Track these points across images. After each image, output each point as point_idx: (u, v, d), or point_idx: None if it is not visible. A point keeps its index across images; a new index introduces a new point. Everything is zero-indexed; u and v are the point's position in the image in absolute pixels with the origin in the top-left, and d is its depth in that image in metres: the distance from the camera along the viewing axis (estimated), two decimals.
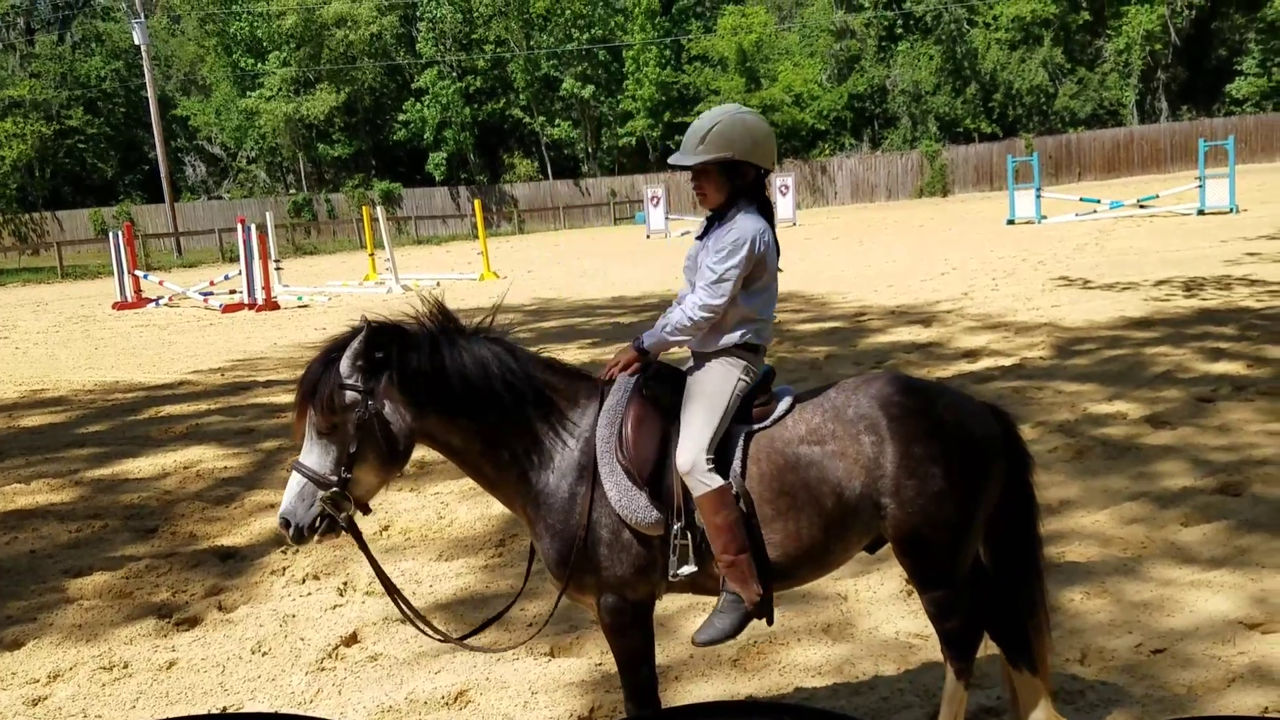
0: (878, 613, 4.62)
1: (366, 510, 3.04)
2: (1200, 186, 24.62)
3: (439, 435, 3.04)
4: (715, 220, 3.22)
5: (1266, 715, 3.53)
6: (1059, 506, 5.70)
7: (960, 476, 3.02)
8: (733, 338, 3.15)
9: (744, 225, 3.12)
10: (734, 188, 3.17)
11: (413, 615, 3.13)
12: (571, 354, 11.61)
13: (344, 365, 2.91)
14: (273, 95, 50.03)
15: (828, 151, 51.88)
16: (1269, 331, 9.92)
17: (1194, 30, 50.29)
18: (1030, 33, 49.89)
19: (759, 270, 3.16)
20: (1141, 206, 26.21)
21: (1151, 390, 8.06)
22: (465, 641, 3.23)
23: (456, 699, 4.06)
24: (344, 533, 3.00)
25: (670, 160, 3.25)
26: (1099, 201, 26.67)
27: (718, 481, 2.96)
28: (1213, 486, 5.84)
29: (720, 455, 3.04)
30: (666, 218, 36.27)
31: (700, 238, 3.28)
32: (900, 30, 52.23)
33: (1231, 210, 23.75)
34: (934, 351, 10.43)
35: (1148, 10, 48.74)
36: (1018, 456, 3.22)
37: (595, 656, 4.31)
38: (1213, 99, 50.78)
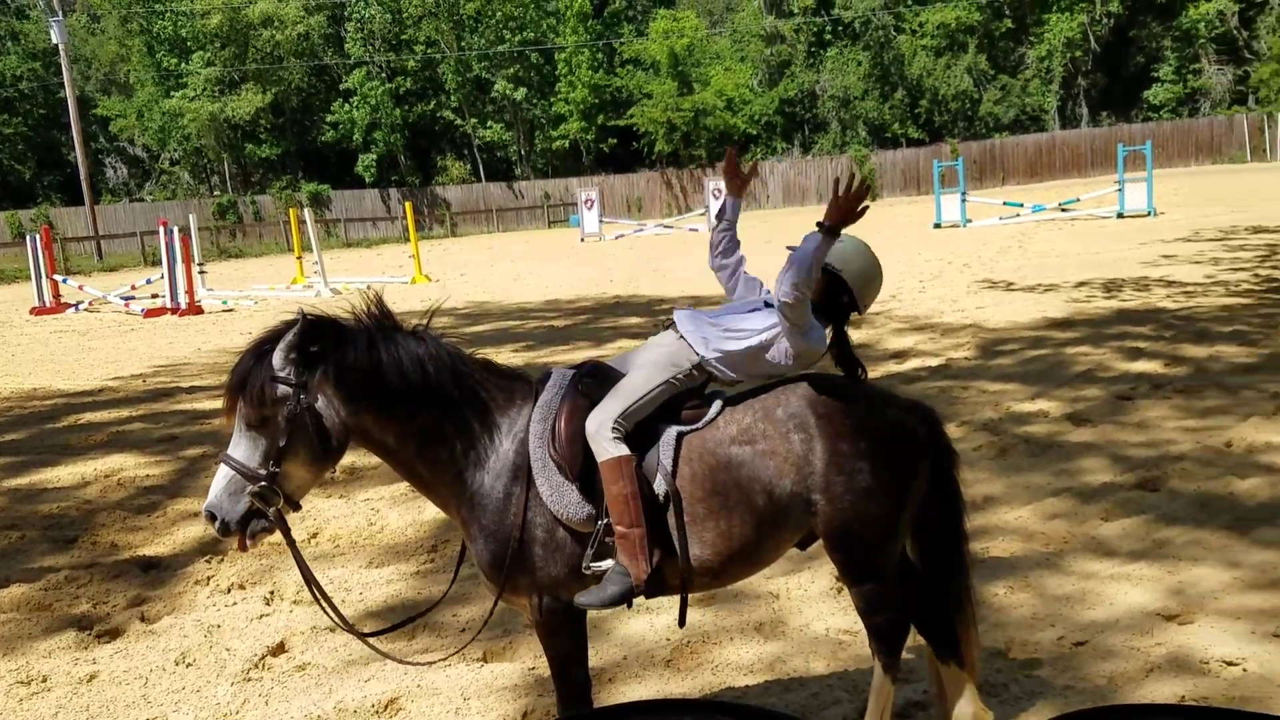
0: (809, 610, 4.67)
1: (296, 507, 2.99)
2: (1119, 190, 25.37)
3: (374, 433, 3.00)
4: None
5: (1183, 703, 3.64)
6: (983, 503, 5.82)
7: (887, 472, 3.07)
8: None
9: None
10: None
11: (324, 602, 3.07)
12: (505, 357, 11.53)
13: (276, 358, 2.87)
14: (197, 95, 48.93)
15: (759, 155, 52.38)
16: (1185, 331, 10.25)
17: (1113, 38, 51.85)
18: (955, 40, 50.99)
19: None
20: (1063, 210, 26.90)
21: (1072, 389, 8.28)
22: (391, 652, 3.18)
23: (387, 707, 4.01)
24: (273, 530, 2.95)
25: None
26: (1022, 205, 27.31)
27: (621, 450, 2.95)
28: (1132, 482, 6.02)
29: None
30: (601, 221, 36.29)
31: None
32: (829, 36, 52.99)
33: (1149, 213, 24.50)
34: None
35: (1068, 18, 50.12)
36: (943, 452, 3.28)
37: (528, 660, 4.28)
38: (1131, 105, 52.39)
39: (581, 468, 2.98)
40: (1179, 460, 6.29)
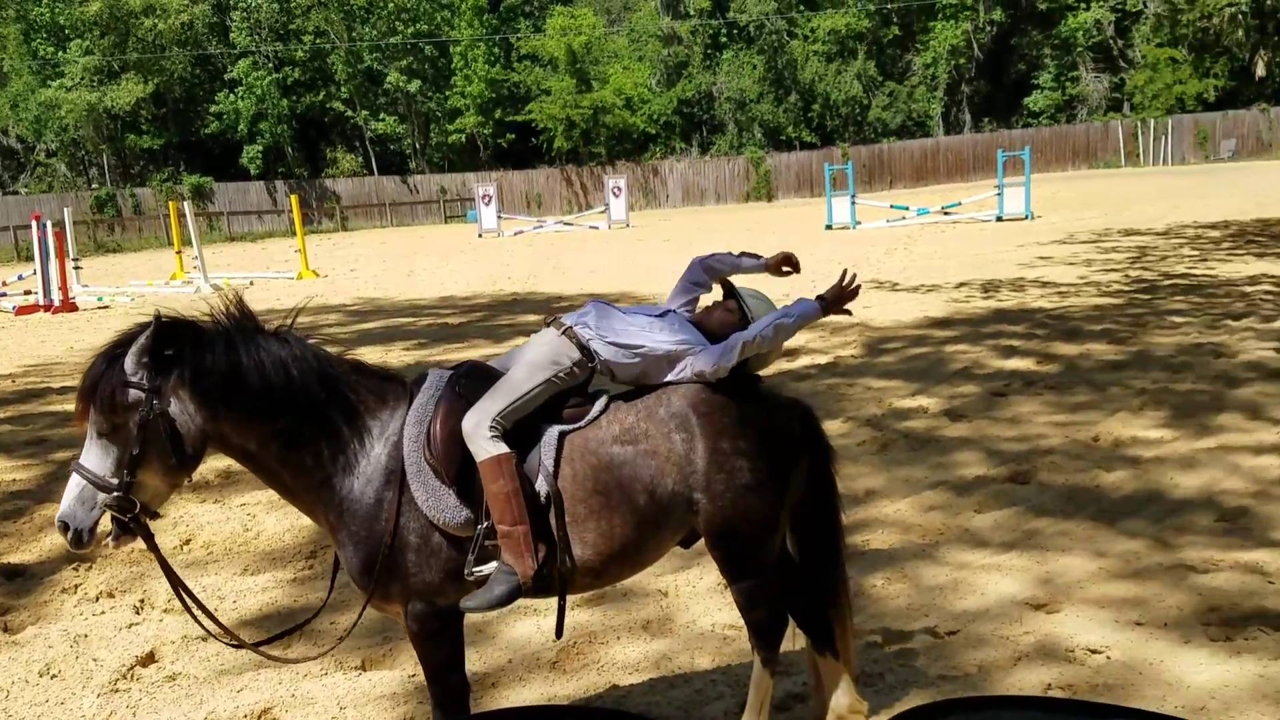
0: (696, 606, 4.70)
1: (154, 515, 2.88)
2: (999, 195, 26.29)
3: (234, 439, 2.89)
4: None
5: (1047, 695, 3.78)
6: (864, 496, 5.96)
7: (767, 470, 3.10)
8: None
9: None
10: None
11: (194, 606, 2.96)
12: (395, 355, 11.33)
13: (128, 362, 2.76)
14: (75, 85, 46.70)
15: (659, 155, 52.68)
16: (1057, 330, 10.68)
17: (995, 46, 53.70)
18: (845, 46, 52.11)
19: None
20: (945, 214, 27.75)
21: (950, 386, 8.54)
22: (261, 649, 3.07)
23: (260, 717, 3.89)
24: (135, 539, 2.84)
25: None
26: (908, 208, 28.09)
27: (500, 449, 2.92)
28: (1004, 475, 6.23)
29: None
30: (499, 216, 35.99)
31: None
32: (725, 39, 53.59)
33: (1027, 217, 25.47)
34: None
35: (953, 26, 51.72)
36: (821, 449, 3.33)
37: (409, 668, 4.20)
38: (1012, 111, 54.34)
39: (459, 471, 2.92)
40: (1048, 454, 6.55)
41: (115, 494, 2.74)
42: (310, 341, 2.99)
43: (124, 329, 2.92)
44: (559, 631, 3.13)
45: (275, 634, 3.22)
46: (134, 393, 2.74)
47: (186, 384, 2.78)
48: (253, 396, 2.82)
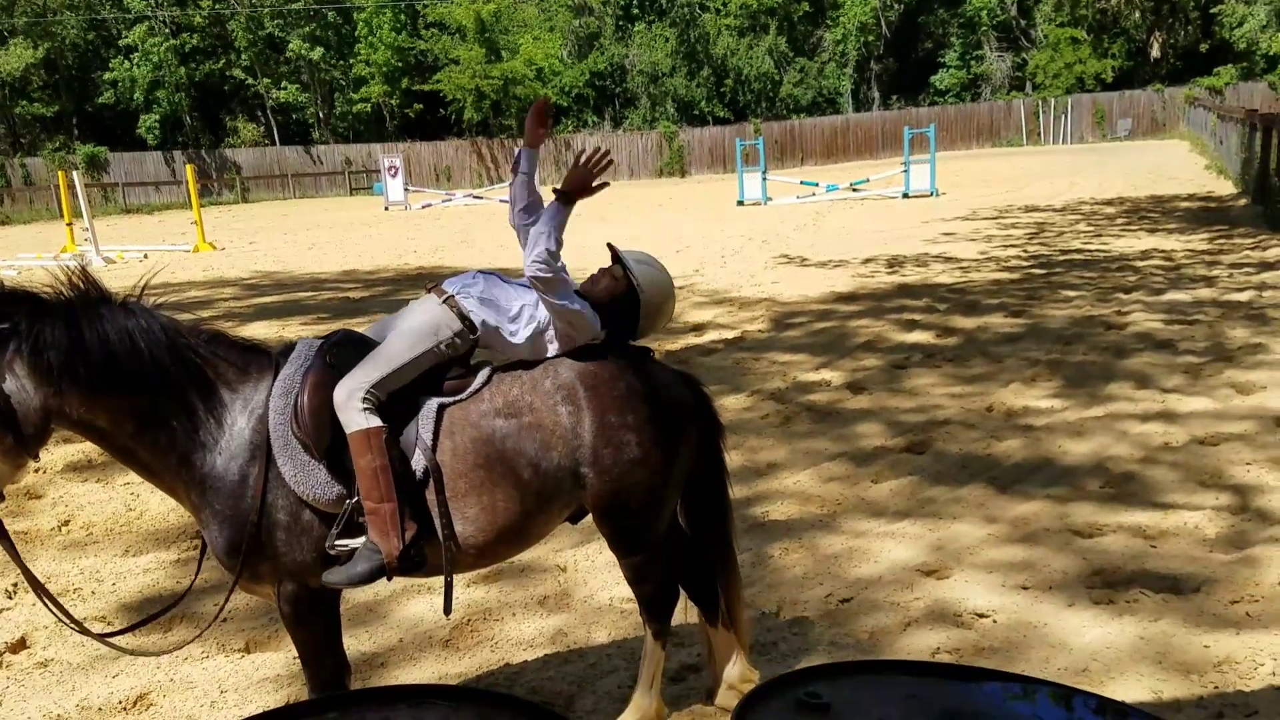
0: (593, 581, 4.66)
1: None
2: (905, 172, 26.72)
3: (80, 416, 2.72)
4: None
5: (931, 659, 3.83)
6: (766, 469, 5.98)
7: (655, 444, 3.05)
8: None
9: None
10: None
11: (45, 597, 2.80)
12: (292, 329, 11.00)
13: None
14: None
15: (571, 128, 52.23)
16: (957, 304, 10.89)
17: (902, 24, 54.46)
18: (757, 20, 52.27)
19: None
20: (854, 190, 28.10)
21: (853, 359, 8.64)
22: (109, 640, 2.90)
23: (136, 703, 3.73)
24: None
25: None
26: (817, 185, 28.35)
27: (372, 421, 2.81)
28: (902, 445, 6.32)
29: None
30: (406, 189, 35.26)
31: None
32: (637, 11, 53.26)
33: (932, 194, 25.94)
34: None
35: (862, 3, 52.26)
36: (709, 423, 3.30)
37: (294, 649, 4.06)
38: (919, 89, 55.23)
39: (330, 444, 2.80)
40: (944, 425, 6.66)
41: None
42: (160, 313, 2.82)
43: None
44: (447, 608, 3.05)
45: (130, 625, 3.05)
46: None
47: (23, 359, 2.61)
48: (96, 372, 2.66)
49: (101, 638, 2.89)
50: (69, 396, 2.67)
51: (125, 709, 3.70)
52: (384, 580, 2.88)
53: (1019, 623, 4.04)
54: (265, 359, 2.96)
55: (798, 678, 1.56)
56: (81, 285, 2.73)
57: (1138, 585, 4.30)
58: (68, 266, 2.79)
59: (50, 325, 2.62)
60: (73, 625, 2.84)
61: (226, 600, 3.02)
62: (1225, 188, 22.25)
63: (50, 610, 2.84)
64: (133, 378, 2.70)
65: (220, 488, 2.79)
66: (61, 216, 25.46)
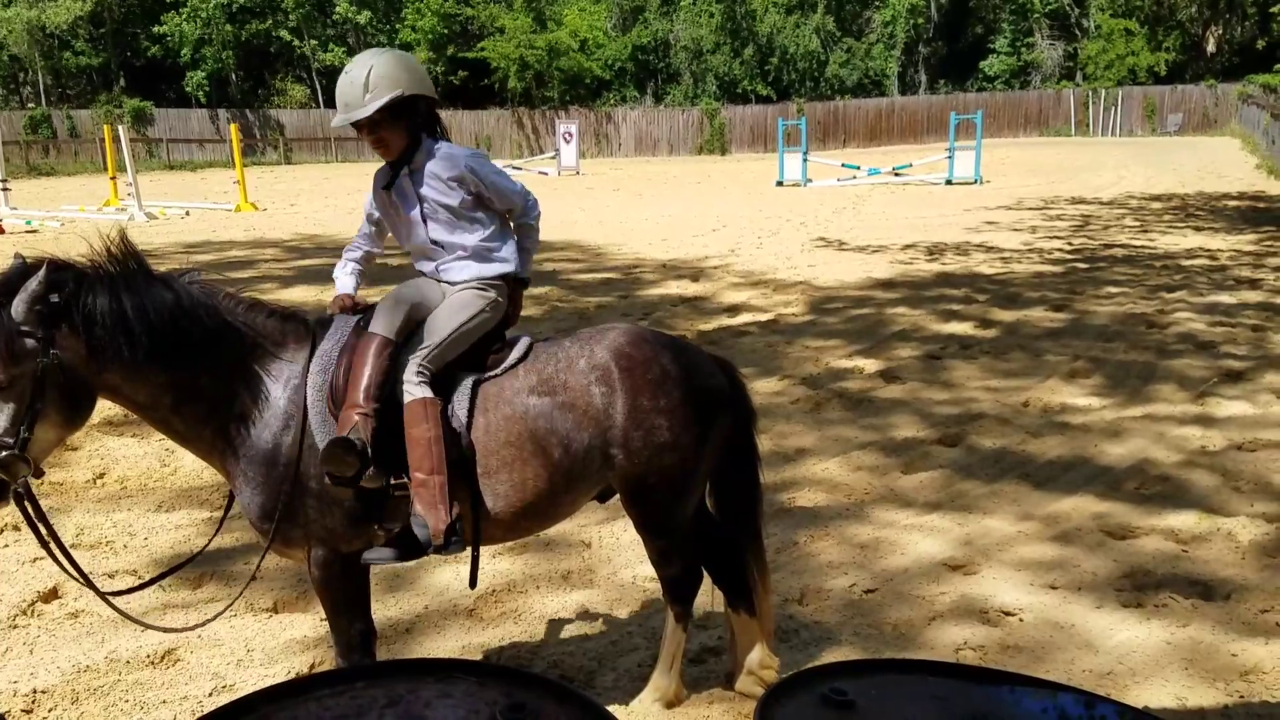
0: (618, 559, 4.67)
1: (39, 474, 2.70)
2: (949, 158, 26.40)
3: (123, 389, 2.74)
4: (404, 166, 3.07)
5: (957, 657, 3.81)
6: (795, 455, 5.95)
7: (686, 428, 3.04)
8: (489, 269, 3.12)
9: (458, 150, 3.07)
10: (413, 125, 3.04)
11: (80, 577, 2.81)
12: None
13: (18, 309, 2.56)
14: (10, 1, 44.68)
15: (613, 102, 52.00)
16: (998, 295, 10.77)
17: (953, 7, 53.65)
18: None
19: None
20: (896, 175, 27.82)
21: (888, 347, 8.57)
22: (124, 613, 2.89)
23: (164, 658, 3.79)
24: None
25: (335, 124, 3.05)
26: (859, 168, 28.10)
27: (425, 393, 2.84)
28: (934, 437, 6.27)
29: (445, 399, 2.93)
30: None
31: (387, 187, 3.12)
32: None
33: (976, 181, 25.64)
34: (700, 305, 10.67)
35: None
36: (742, 409, 3.28)
37: (322, 612, 4.11)
38: (967, 75, 54.45)
39: None
40: (978, 418, 6.60)
41: (9, 452, 2.57)
42: (198, 286, 2.82)
43: None
44: (473, 581, 3.07)
45: (142, 583, 3.06)
46: (29, 342, 2.57)
47: (79, 332, 2.63)
48: (140, 345, 2.67)
49: (144, 621, 2.90)
50: (113, 370, 2.69)
51: (153, 663, 3.76)
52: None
53: (1046, 622, 4.01)
54: (303, 327, 2.97)
55: (823, 673, 1.55)
56: (122, 256, 2.73)
57: (1168, 589, 4.24)
58: (107, 235, 2.78)
59: (98, 300, 2.63)
60: (114, 607, 2.84)
61: (260, 561, 3.02)
62: (1276, 188, 21.79)
63: (70, 574, 2.84)
64: (175, 355, 2.72)
65: (254, 456, 2.81)
66: (105, 170, 25.76)
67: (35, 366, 2.58)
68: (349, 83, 2.94)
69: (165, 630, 3.15)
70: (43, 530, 2.73)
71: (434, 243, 3.11)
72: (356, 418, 2.73)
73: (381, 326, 2.89)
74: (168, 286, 2.75)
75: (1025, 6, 51.45)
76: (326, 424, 2.80)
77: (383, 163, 3.13)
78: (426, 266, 3.18)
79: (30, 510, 2.69)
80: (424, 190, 3.06)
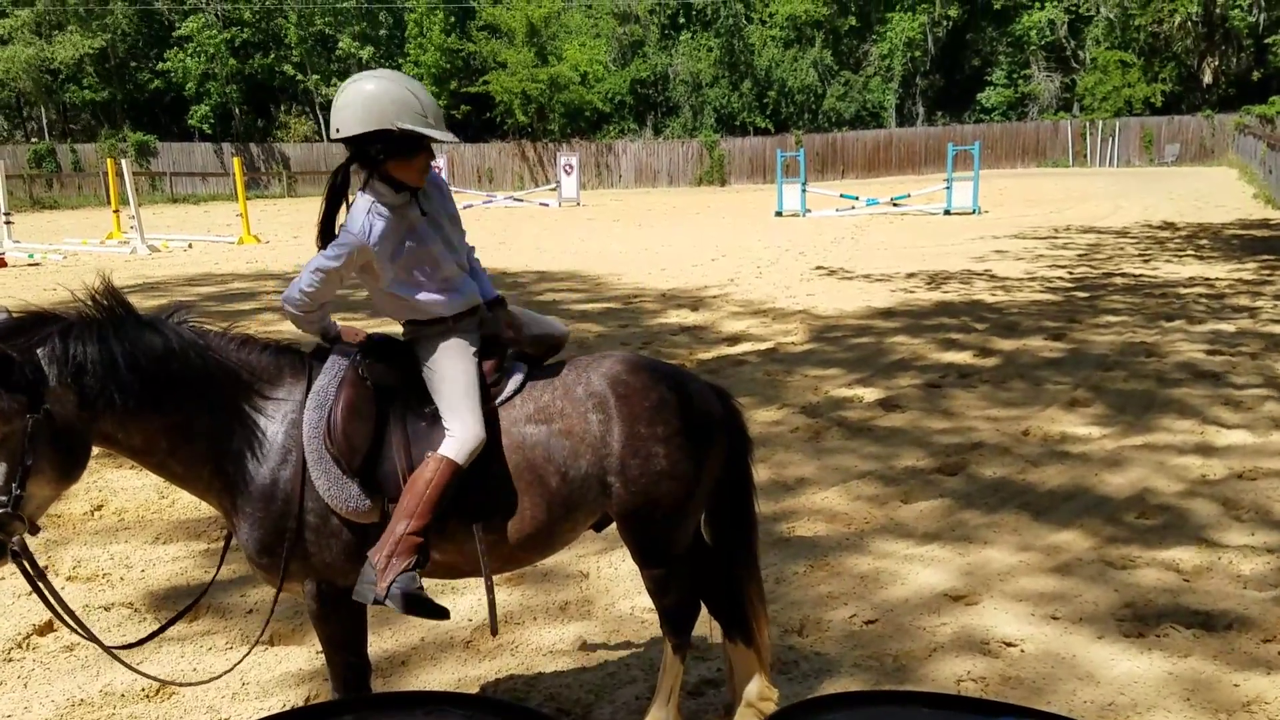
0: (616, 589, 4.64)
1: (35, 530, 2.64)
2: (948, 188, 26.51)
3: (118, 436, 2.70)
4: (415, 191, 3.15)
5: (956, 689, 3.77)
6: (794, 484, 5.93)
7: (683, 457, 3.03)
8: (430, 313, 3.03)
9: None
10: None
11: (78, 627, 2.78)
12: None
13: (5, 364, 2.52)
14: (10, 38, 45.05)
15: (613, 134, 52.33)
16: (997, 325, 10.78)
17: (950, 40, 54.08)
18: (803, 33, 52.12)
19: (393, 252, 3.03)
20: (895, 205, 27.91)
21: (888, 376, 8.56)
22: (125, 662, 2.87)
23: (159, 692, 3.76)
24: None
25: (443, 139, 3.03)
26: (857, 198, 28.19)
27: (452, 453, 2.84)
28: (934, 466, 6.25)
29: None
30: (450, 190, 35.46)
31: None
32: (682, 20, 53.32)
33: (974, 211, 25.72)
34: (699, 335, 10.68)
35: (910, 18, 51.97)
36: (738, 438, 3.27)
37: (317, 645, 4.08)
38: (965, 106, 54.78)
39: (363, 462, 2.82)
40: (978, 447, 6.58)
41: (3, 510, 2.52)
42: (187, 327, 2.81)
43: None
44: (493, 628, 2.99)
45: (147, 636, 3.02)
46: (19, 397, 2.52)
47: (69, 384, 2.59)
48: (132, 396, 2.64)
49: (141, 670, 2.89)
50: (105, 418, 2.65)
51: (148, 697, 3.74)
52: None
53: (1047, 653, 3.98)
54: (298, 360, 2.96)
55: (820, 705, 1.53)
56: (107, 303, 2.71)
57: (1169, 620, 4.21)
58: (93, 281, 2.75)
59: (84, 348, 2.60)
60: (113, 654, 2.82)
61: (275, 600, 2.98)
62: (1273, 217, 21.86)
63: (77, 631, 2.81)
64: (168, 398, 2.70)
65: (252, 492, 2.80)
66: (109, 203, 25.89)
67: (25, 422, 2.53)
68: (426, 102, 2.97)
69: (180, 685, 3.12)
70: (44, 588, 2.68)
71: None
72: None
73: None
74: (156, 330, 2.72)
75: (1022, 39, 51.88)
76: (323, 461, 2.79)
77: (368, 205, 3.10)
78: (464, 287, 3.10)
79: (28, 568, 2.63)
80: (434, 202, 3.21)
